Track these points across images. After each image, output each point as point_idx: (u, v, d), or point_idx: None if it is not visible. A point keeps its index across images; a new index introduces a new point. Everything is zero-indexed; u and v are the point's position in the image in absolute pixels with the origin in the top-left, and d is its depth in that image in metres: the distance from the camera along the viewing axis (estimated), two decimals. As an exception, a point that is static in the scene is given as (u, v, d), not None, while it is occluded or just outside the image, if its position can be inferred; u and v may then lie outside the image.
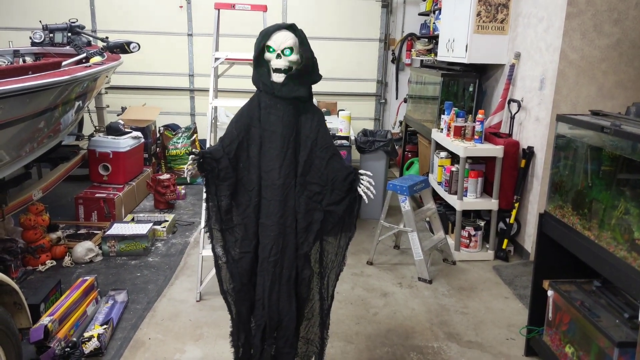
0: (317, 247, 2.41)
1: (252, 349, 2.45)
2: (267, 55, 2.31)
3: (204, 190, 2.41)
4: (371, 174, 2.40)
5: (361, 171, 2.39)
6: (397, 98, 7.81)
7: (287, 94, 2.31)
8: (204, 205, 3.32)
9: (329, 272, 2.44)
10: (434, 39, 6.48)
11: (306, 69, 2.32)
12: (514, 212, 4.42)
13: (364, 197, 2.36)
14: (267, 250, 2.35)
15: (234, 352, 2.51)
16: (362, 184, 2.36)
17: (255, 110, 2.39)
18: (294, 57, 2.29)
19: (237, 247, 2.40)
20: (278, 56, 2.28)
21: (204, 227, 2.53)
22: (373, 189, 2.35)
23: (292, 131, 2.35)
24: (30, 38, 5.34)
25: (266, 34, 2.31)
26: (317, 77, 2.41)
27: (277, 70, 2.29)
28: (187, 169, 2.34)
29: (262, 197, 2.37)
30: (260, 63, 2.34)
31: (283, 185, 2.34)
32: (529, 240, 4.37)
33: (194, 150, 2.33)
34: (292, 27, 2.33)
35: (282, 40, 2.28)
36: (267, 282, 2.36)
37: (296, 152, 2.37)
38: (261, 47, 2.31)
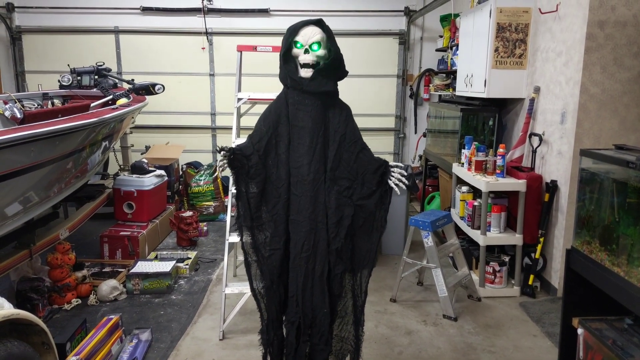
0: (349, 243, 2.38)
1: (285, 347, 2.41)
2: (295, 50, 2.32)
3: (233, 188, 2.40)
4: (402, 165, 2.37)
5: (392, 163, 2.37)
6: (416, 132, 7.86)
7: (315, 88, 2.32)
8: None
9: (361, 268, 2.42)
10: (451, 74, 6.54)
11: (334, 64, 2.33)
12: (539, 247, 4.35)
13: (396, 189, 2.32)
14: (299, 246, 2.33)
15: (263, 351, 2.48)
16: (393, 176, 2.33)
17: (283, 107, 2.39)
18: (321, 51, 2.31)
19: (266, 244, 2.39)
20: (306, 51, 2.30)
21: (233, 225, 2.52)
22: (405, 180, 2.32)
23: (320, 126, 2.35)
24: (59, 81, 5.53)
25: (294, 29, 2.32)
26: (344, 73, 2.42)
27: (305, 66, 2.30)
28: (218, 164, 2.35)
29: (291, 193, 2.36)
30: (287, 59, 2.35)
31: (313, 180, 2.33)
32: (556, 275, 4.29)
33: (224, 146, 2.35)
34: (319, 22, 2.34)
35: (310, 35, 2.30)
36: (300, 278, 2.33)
37: (325, 147, 2.36)
38: (289, 43, 2.32)
